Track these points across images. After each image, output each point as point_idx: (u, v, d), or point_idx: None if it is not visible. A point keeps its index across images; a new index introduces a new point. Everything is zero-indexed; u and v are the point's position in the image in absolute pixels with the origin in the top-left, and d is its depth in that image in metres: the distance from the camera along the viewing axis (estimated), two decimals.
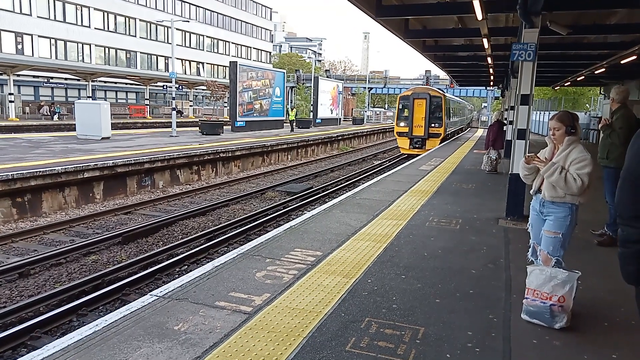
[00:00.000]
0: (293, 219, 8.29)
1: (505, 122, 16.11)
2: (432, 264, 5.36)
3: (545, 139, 4.37)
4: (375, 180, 11.39)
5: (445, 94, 25.81)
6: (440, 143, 23.26)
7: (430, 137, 23.22)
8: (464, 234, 6.72)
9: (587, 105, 45.37)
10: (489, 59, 16.92)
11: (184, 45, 58.27)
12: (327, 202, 11.26)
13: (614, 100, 6.54)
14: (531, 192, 4.33)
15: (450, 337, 3.64)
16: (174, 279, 6.83)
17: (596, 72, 20.80)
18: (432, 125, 23.19)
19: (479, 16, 9.21)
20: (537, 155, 4.19)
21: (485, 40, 12.60)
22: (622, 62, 16.82)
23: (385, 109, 74.39)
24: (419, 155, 19.02)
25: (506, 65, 19.48)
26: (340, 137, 31.25)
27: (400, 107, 23.95)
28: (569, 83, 29.72)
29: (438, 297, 4.42)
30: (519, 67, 7.66)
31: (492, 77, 26.24)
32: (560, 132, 4.06)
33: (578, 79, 25.70)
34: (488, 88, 50.04)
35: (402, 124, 23.68)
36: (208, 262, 6.86)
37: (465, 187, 10.83)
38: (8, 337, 5.46)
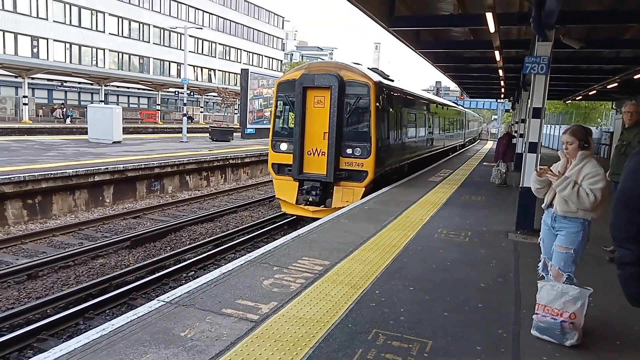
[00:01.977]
0: (300, 227, 8.25)
1: (514, 134, 16.02)
2: (440, 276, 5.31)
3: (557, 153, 4.33)
4: (383, 190, 11.35)
5: (386, 80, 12.35)
6: (372, 190, 10.95)
7: (342, 179, 10.80)
8: (473, 247, 6.66)
9: (598, 119, 45.06)
10: (500, 71, 16.88)
11: (196, 51, 58.79)
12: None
13: (633, 115, 6.46)
14: (543, 206, 4.28)
15: (458, 352, 3.59)
16: (181, 285, 6.84)
17: (608, 86, 20.66)
18: (348, 150, 10.76)
19: (492, 28, 9.20)
20: (550, 168, 4.15)
21: (497, 53, 12.58)
22: (636, 77, 16.70)
23: None
24: (320, 218, 8.34)
25: (517, 77, 19.43)
26: None
27: (280, 107, 11.55)
28: (580, 97, 29.56)
29: (446, 310, 4.37)
30: (530, 80, 7.63)
31: (503, 90, 26.14)
32: (574, 147, 4.03)
33: (590, 93, 25.54)
34: (499, 100, 49.88)
35: (282, 145, 11.28)
36: (215, 268, 6.86)
37: (475, 200, 10.76)
38: (15, 338, 5.48)
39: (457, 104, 33.35)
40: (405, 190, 11.52)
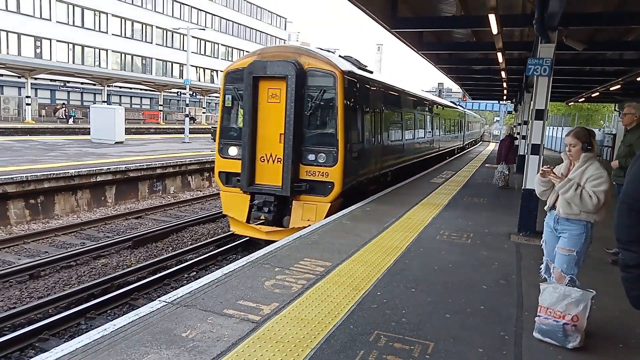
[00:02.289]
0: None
1: (516, 136, 15.96)
2: (442, 278, 5.30)
3: (560, 155, 4.32)
4: (386, 191, 11.34)
5: (360, 71, 10.37)
6: (342, 206, 9.10)
7: (302, 192, 8.95)
8: (475, 249, 6.65)
9: (601, 121, 44.97)
10: (503, 73, 16.85)
11: (198, 52, 58.87)
12: None
13: (627, 117, 6.47)
14: (545, 208, 4.28)
15: (460, 354, 3.58)
16: (182, 285, 6.84)
17: (611, 88, 20.61)
18: (310, 157, 8.93)
19: (494, 30, 9.18)
20: (553, 170, 4.14)
21: (499, 54, 12.56)
22: (639, 79, 16.65)
23: None
24: (276, 241, 6.79)
25: (520, 79, 19.41)
26: None
27: (229, 102, 9.57)
28: (583, 99, 29.50)
29: (448, 312, 4.36)
30: (533, 82, 7.62)
31: (505, 91, 26.11)
32: (577, 149, 4.02)
33: (593, 95, 25.47)
34: (501, 102, 49.83)
35: (231, 149, 9.43)
36: (217, 269, 6.86)
37: (477, 201, 10.74)
38: (17, 338, 5.49)
39: (455, 104, 31.30)
40: (407, 191, 11.51)
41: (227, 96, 9.45)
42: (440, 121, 21.18)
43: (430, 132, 18.61)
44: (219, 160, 9.51)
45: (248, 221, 9.11)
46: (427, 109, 18.08)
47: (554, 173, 4.07)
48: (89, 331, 3.80)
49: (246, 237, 9.50)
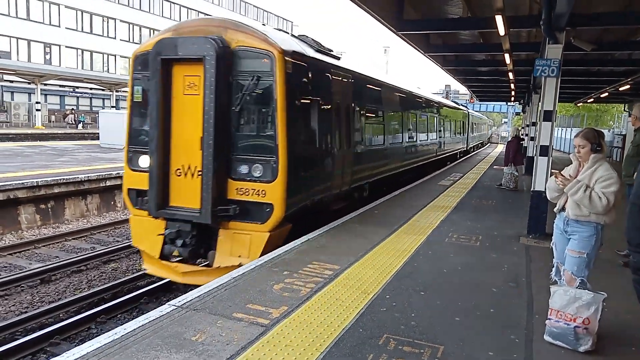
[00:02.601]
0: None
1: (523, 137, 15.78)
2: (451, 281, 5.28)
3: (570, 156, 4.29)
4: (394, 194, 11.32)
5: (316, 54, 7.94)
6: (290, 237, 6.90)
7: (231, 218, 6.56)
8: (484, 251, 6.62)
9: (610, 122, 44.61)
10: (510, 75, 16.79)
11: None
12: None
13: (637, 118, 6.43)
14: (555, 209, 4.25)
15: (470, 357, 3.56)
16: (192, 289, 6.86)
17: (620, 89, 20.45)
18: (242, 168, 6.62)
19: (501, 31, 9.16)
20: (562, 172, 4.11)
21: (506, 56, 12.52)
22: None
23: None
24: (200, 285, 5.06)
25: (528, 80, 19.31)
26: None
27: (139, 95, 7.13)
28: (592, 100, 29.29)
29: (458, 314, 4.34)
30: (541, 83, 7.59)
31: (513, 93, 25.99)
32: (586, 150, 4.00)
33: (601, 96, 25.29)
34: (509, 103, 49.62)
35: (142, 159, 7.00)
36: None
37: (486, 203, 10.69)
38: (28, 342, 5.53)
39: (458, 104, 29.03)
40: (415, 194, 11.48)
41: (136, 88, 7.06)
42: (438, 122, 18.84)
43: (425, 134, 16.34)
44: (127, 174, 7.15)
45: (162, 257, 6.72)
46: (420, 107, 15.92)
47: (562, 175, 4.05)
48: (99, 335, 3.83)
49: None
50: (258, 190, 6.48)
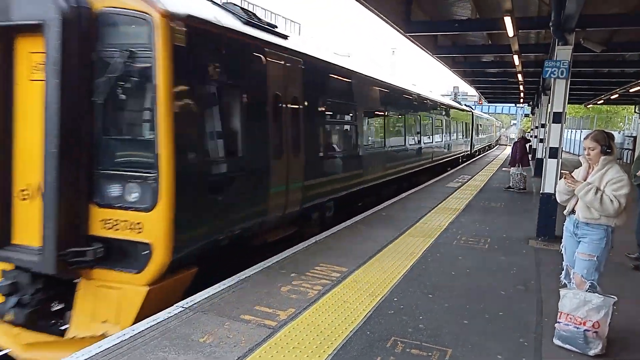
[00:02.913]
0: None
1: (529, 138, 15.42)
2: (460, 284, 5.25)
3: (579, 158, 4.25)
4: (401, 196, 11.29)
5: (237, 23, 5.76)
6: (187, 285, 4.97)
7: (92, 264, 4.47)
8: (493, 254, 6.58)
9: (621, 124, 44.23)
10: (519, 76, 16.69)
11: None
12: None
13: None
14: (565, 212, 4.20)
15: None
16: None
17: (631, 90, 20.26)
18: (110, 190, 4.53)
19: (510, 33, 9.11)
20: (571, 174, 4.07)
21: (515, 57, 12.45)
22: None
23: None
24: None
25: (537, 82, 19.20)
26: None
27: None
28: (602, 101, 29.05)
29: (466, 317, 4.32)
30: (550, 84, 7.54)
31: (522, 94, 25.84)
32: (595, 152, 3.95)
33: (612, 97, 25.07)
34: (518, 105, 49.33)
35: None
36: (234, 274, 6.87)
37: (494, 206, 10.63)
38: None
39: (461, 104, 26.72)
40: (423, 196, 11.44)
41: None
42: (433, 123, 16.48)
43: (416, 136, 14.02)
44: None
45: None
46: (409, 105, 13.72)
47: (572, 177, 4.01)
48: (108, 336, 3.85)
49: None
50: (132, 223, 4.43)
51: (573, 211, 4.07)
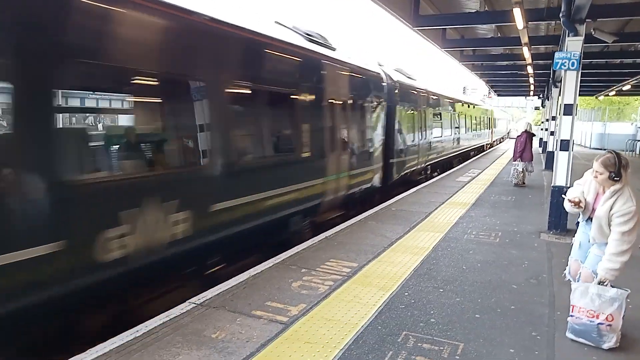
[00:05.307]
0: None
1: (534, 133, 14.75)
2: (471, 278, 5.23)
3: (586, 173, 4.06)
4: (411, 191, 11.26)
5: None
6: None
7: None
8: (504, 248, 6.54)
9: (633, 115, 43.66)
10: (529, 68, 16.54)
11: None
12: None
13: None
14: (579, 219, 4.08)
15: (491, 355, 3.53)
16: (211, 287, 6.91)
17: None
18: None
19: (520, 25, 9.03)
20: (580, 199, 3.89)
21: (525, 49, 12.34)
22: None
23: None
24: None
25: (547, 74, 19.03)
26: None
27: None
28: (613, 92, 28.68)
29: (478, 312, 4.30)
30: (561, 76, 7.46)
31: (532, 87, 25.61)
32: (603, 177, 3.70)
33: (624, 89, 24.75)
34: (527, 98, 48.86)
35: None
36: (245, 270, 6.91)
37: (505, 199, 10.56)
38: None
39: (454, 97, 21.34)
40: (434, 190, 11.40)
41: None
42: (413, 121, 12.98)
43: (356, 139, 9.20)
44: None
45: None
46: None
47: (578, 202, 3.87)
48: (121, 333, 3.88)
49: None
50: None
51: (589, 219, 3.90)
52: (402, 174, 12.14)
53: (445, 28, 13.10)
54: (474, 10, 11.56)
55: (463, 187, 12.22)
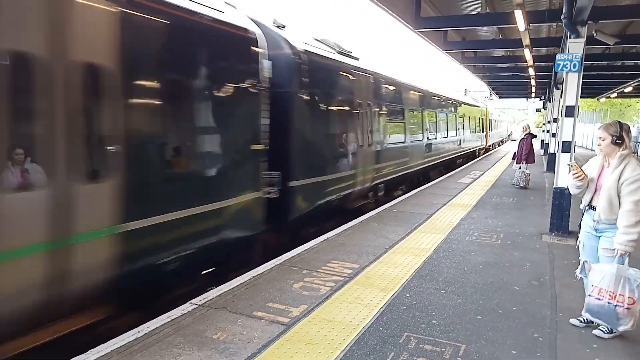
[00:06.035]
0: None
1: (535, 134, 14.60)
2: (472, 279, 5.22)
3: (596, 149, 4.14)
4: (412, 193, 11.26)
5: None
6: None
7: None
8: (505, 249, 6.53)
9: (634, 117, 43.61)
10: (531, 70, 16.53)
11: None
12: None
13: None
14: (581, 207, 4.10)
15: (493, 356, 3.51)
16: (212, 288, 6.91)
17: None
18: None
19: (521, 27, 9.02)
20: (581, 168, 3.98)
21: (526, 51, 12.33)
22: None
23: None
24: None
25: (549, 76, 19.03)
26: None
27: None
28: (615, 94, 28.66)
29: (479, 313, 4.29)
30: (563, 78, 7.46)
31: (533, 88, 25.60)
32: (606, 143, 3.79)
33: (625, 90, 24.73)
34: (529, 100, 48.83)
35: None
36: (246, 272, 6.91)
37: (506, 201, 10.54)
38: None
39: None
40: (435, 192, 11.39)
41: None
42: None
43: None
44: None
45: None
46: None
47: (578, 167, 3.92)
48: (123, 333, 3.88)
49: None
50: None
51: (590, 206, 3.95)
52: (321, 202, 7.92)
53: (446, 30, 13.10)
54: (475, 12, 11.56)
55: (465, 188, 12.21)
